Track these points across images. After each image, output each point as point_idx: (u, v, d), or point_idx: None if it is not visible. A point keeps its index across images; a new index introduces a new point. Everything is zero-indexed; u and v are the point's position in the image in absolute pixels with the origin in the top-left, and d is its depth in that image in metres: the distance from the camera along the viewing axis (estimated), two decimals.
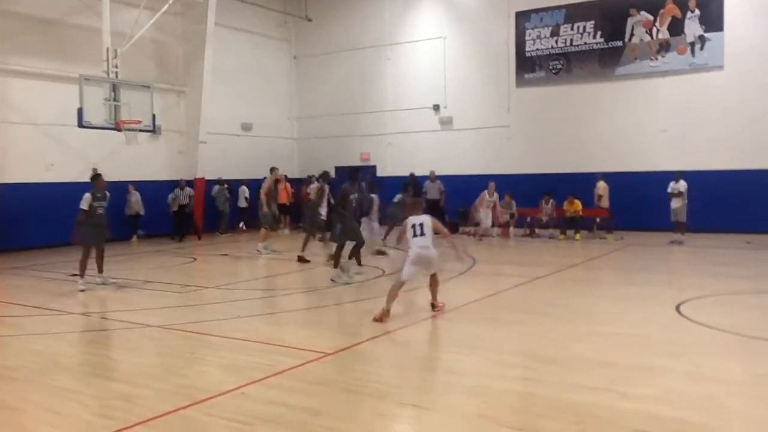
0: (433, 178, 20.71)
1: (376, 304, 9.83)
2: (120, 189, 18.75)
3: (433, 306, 9.02)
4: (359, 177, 15.06)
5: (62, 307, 9.97)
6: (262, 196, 16.39)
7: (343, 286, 10.99)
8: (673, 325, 8.20)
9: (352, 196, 12.15)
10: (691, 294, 9.88)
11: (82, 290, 11.12)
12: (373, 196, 15.77)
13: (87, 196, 11.33)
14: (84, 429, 5.02)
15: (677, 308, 8.86)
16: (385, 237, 16.04)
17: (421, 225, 8.65)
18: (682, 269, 13.85)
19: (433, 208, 18.44)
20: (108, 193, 11.70)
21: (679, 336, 7.63)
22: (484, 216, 18.78)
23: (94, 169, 12.50)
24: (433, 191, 20.35)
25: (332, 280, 11.33)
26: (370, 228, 15.01)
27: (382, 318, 8.31)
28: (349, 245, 11.98)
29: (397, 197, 16.72)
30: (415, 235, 8.61)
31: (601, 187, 18.48)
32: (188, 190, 20.59)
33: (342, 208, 12.04)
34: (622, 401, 5.38)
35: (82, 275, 11.32)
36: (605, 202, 18.50)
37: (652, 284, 11.27)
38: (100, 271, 11.75)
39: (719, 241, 16.63)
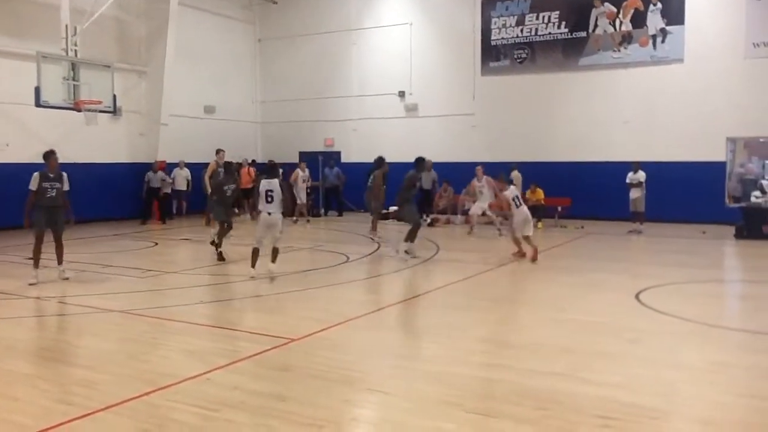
0: (429, 167, 18.89)
1: (342, 289, 9.84)
2: (84, 170, 18.36)
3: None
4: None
5: (18, 291, 9.74)
6: (205, 180, 16.13)
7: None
8: (633, 312, 8.36)
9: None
10: (649, 282, 10.08)
11: (32, 284, 10.07)
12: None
13: (35, 175, 10.25)
14: (43, 415, 4.92)
15: (636, 296, 9.05)
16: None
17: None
18: (640, 258, 14.13)
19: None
20: (64, 174, 10.50)
21: (639, 323, 7.78)
22: (478, 206, 17.13)
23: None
24: (427, 181, 19.04)
25: (398, 252, 12.59)
26: None
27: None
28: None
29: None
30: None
31: (515, 176, 17.86)
32: (161, 173, 20.28)
33: (407, 193, 12.93)
34: (583, 387, 5.48)
35: (35, 265, 10.32)
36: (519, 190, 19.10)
37: (612, 272, 11.47)
38: (59, 262, 10.66)
39: (676, 231, 17.01)
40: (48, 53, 15.95)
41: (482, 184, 16.96)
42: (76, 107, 16.14)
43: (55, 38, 16.67)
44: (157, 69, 21.52)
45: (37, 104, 15.54)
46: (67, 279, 10.59)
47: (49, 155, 10.43)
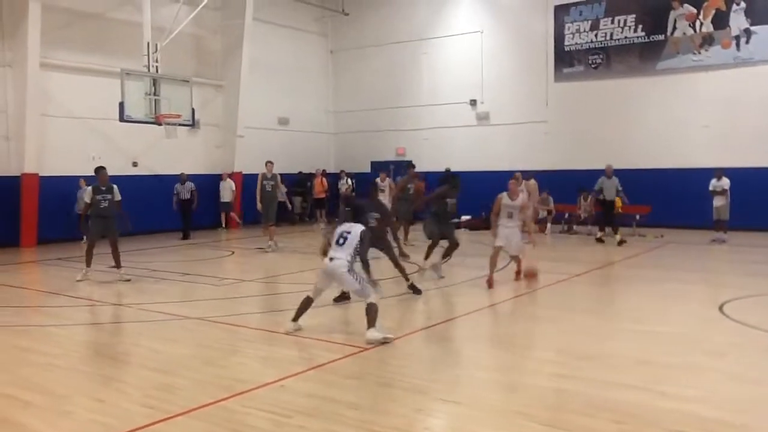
0: (609, 173, 16.82)
1: (413, 299, 9.84)
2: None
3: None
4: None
5: (103, 298, 10.17)
6: (258, 194, 15.82)
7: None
8: (715, 324, 8.05)
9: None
10: (733, 293, 9.69)
11: (79, 280, 11.38)
12: None
13: (88, 189, 11.67)
14: (126, 417, 5.11)
15: (720, 308, 8.70)
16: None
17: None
18: (724, 268, 13.57)
19: (607, 211, 16.74)
20: (114, 186, 11.71)
21: (721, 336, 7.49)
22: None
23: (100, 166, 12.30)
24: (610, 191, 16.69)
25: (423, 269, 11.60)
26: None
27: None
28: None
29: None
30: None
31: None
32: (189, 184, 19.15)
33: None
34: (661, 400, 5.31)
35: (87, 264, 11.54)
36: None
37: (694, 283, 11.08)
38: (117, 266, 11.76)
39: (763, 240, 16.26)
40: (131, 70, 16.65)
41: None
42: (157, 121, 16.77)
43: (137, 55, 17.42)
44: (233, 82, 22.14)
45: (121, 119, 16.24)
46: (128, 281, 11.49)
47: (99, 170, 11.69)
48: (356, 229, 7.69)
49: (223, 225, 21.45)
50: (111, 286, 11.24)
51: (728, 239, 16.11)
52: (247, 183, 21.93)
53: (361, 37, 25.59)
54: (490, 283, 10.43)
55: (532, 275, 10.59)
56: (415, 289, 9.88)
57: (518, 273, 10.98)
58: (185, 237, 18.70)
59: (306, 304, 7.71)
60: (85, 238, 16.29)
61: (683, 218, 18.48)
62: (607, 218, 16.72)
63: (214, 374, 6.23)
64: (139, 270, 12.81)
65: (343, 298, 9.27)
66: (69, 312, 9.61)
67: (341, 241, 7.58)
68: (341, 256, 7.47)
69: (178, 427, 4.94)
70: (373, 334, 7.08)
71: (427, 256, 11.60)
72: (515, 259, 11.04)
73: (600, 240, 16.51)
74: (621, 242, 15.78)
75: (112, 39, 18.98)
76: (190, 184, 19.21)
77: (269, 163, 16.11)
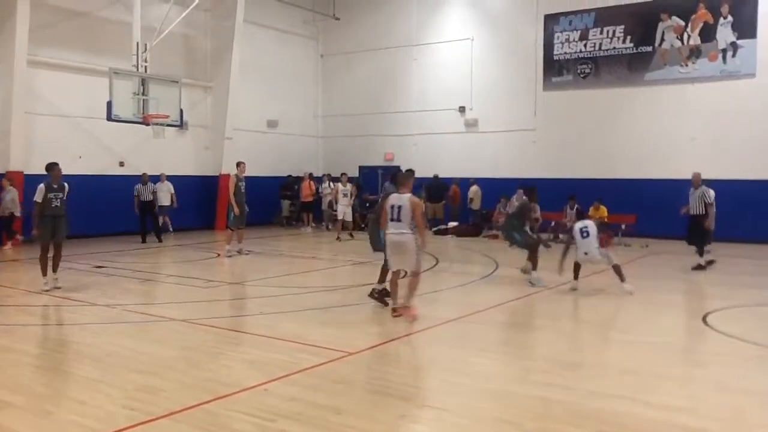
0: (697, 182, 13.83)
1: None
2: (150, 182, 18.94)
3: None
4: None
5: (87, 298, 10.07)
6: (231, 197, 15.04)
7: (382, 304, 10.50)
8: (699, 334, 8.10)
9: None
10: (717, 304, 9.75)
11: (47, 290, 10.53)
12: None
13: (41, 187, 10.66)
14: (108, 419, 5.06)
15: (704, 318, 8.74)
16: None
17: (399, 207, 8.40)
18: (708, 279, 13.64)
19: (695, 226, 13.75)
20: (66, 184, 10.87)
21: (706, 346, 7.53)
22: None
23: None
24: (697, 204, 13.65)
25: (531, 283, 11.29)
26: None
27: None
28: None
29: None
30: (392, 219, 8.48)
31: (473, 191, 20.97)
32: (151, 185, 18.38)
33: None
34: (646, 410, 5.32)
35: (44, 273, 10.70)
36: (476, 205, 21.16)
37: (678, 293, 11.14)
38: (54, 269, 10.84)
39: (747, 251, 16.39)
40: (119, 69, 16.55)
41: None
42: (145, 121, 16.68)
43: (127, 55, 17.32)
44: (222, 84, 22.08)
45: (109, 118, 16.12)
46: (59, 288, 10.70)
47: (53, 166, 10.86)
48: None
49: (169, 230, 19.74)
50: (94, 286, 11.13)
51: (712, 250, 16.18)
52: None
53: (351, 41, 25.60)
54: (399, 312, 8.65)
55: (408, 312, 8.56)
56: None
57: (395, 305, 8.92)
58: (150, 239, 18.06)
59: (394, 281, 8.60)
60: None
61: (668, 228, 18.56)
62: (690, 236, 13.92)
63: (199, 377, 6.17)
64: (124, 271, 12.71)
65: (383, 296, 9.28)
66: (50, 311, 9.52)
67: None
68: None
69: (160, 430, 4.89)
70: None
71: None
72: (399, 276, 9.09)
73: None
74: (699, 266, 13.40)
75: (101, 38, 18.88)
76: (151, 185, 18.39)
77: (241, 163, 15.47)
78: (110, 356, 6.97)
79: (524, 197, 12.24)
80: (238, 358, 6.91)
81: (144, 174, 18.46)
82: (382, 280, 9.50)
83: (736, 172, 18.22)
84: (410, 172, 9.28)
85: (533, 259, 11.59)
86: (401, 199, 8.40)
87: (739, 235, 17.60)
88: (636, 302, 10.17)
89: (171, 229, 19.72)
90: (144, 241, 17.88)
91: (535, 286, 11.15)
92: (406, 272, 8.76)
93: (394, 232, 8.41)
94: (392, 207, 8.40)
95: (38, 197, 10.60)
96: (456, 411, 5.39)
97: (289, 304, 10.26)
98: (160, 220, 19.03)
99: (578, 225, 10.97)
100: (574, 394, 5.72)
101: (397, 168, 23.85)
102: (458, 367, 6.78)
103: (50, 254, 10.77)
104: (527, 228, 11.80)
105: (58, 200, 10.72)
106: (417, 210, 8.27)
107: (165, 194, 19.20)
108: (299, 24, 25.69)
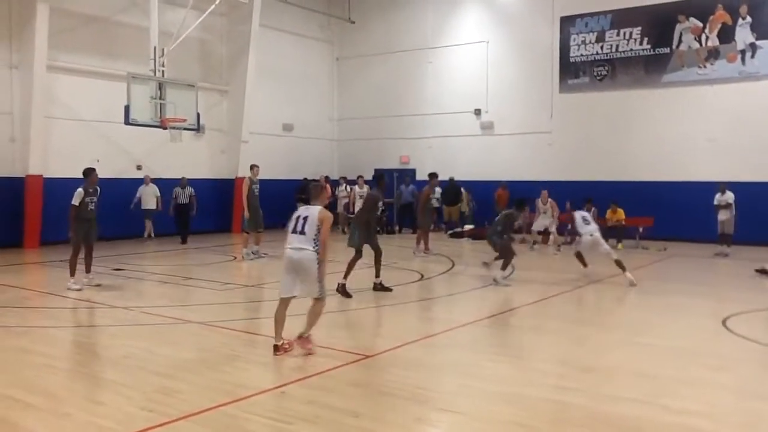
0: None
1: (416, 307, 9.82)
2: (168, 185, 19.19)
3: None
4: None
5: (105, 301, 10.16)
6: (243, 200, 15.04)
7: (388, 292, 10.85)
8: (718, 338, 8.02)
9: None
10: (737, 308, 9.64)
11: (78, 289, 10.85)
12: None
13: (79, 191, 11.11)
14: (126, 420, 5.10)
15: (723, 322, 8.66)
16: (418, 244, 16.26)
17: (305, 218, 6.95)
18: (728, 282, 13.52)
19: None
20: (99, 189, 11.43)
21: (724, 350, 7.45)
22: (540, 223, 17.88)
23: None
24: None
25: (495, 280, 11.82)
26: None
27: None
28: None
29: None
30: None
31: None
32: (189, 189, 18.96)
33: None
34: (662, 414, 5.28)
35: (72, 274, 11.05)
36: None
37: (697, 296, 11.03)
38: (87, 270, 11.35)
39: (766, 255, 16.19)
40: (137, 74, 16.70)
41: (546, 207, 17.79)
42: (162, 125, 16.80)
43: (144, 59, 17.45)
44: (238, 88, 22.20)
45: (126, 122, 16.26)
46: (99, 285, 11.28)
47: (91, 171, 11.40)
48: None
49: (150, 234, 19.17)
50: (112, 288, 11.23)
51: (732, 253, 16.06)
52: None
53: (366, 45, 25.65)
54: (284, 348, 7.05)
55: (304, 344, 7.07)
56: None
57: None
58: (184, 242, 18.59)
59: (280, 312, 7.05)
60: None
61: (687, 231, 18.45)
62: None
63: (216, 379, 6.20)
64: (141, 273, 12.81)
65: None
66: (68, 313, 9.61)
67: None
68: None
69: None
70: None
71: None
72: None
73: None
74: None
75: (119, 43, 19.07)
76: (189, 189, 19.01)
77: (255, 166, 15.49)
78: (128, 358, 7.03)
79: (513, 208, 12.87)
80: (254, 361, 6.94)
81: (183, 178, 19.11)
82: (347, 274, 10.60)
83: (754, 174, 18.04)
84: (433, 174, 9.96)
85: (506, 259, 12.14)
86: (309, 209, 7.04)
87: (758, 238, 17.40)
88: (654, 305, 10.09)
89: (152, 235, 19.12)
90: (184, 242, 18.44)
91: (499, 284, 11.62)
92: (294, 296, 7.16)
93: (293, 248, 6.88)
94: (297, 218, 7.02)
95: (76, 201, 11.09)
96: (471, 414, 5.38)
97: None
98: (146, 224, 19.09)
99: (578, 214, 12.71)
100: (589, 398, 5.69)
101: (413, 170, 24.00)
102: (472, 370, 6.77)
103: (81, 256, 11.19)
104: (506, 235, 12.46)
105: (93, 204, 11.27)
106: (326, 224, 6.91)
107: (150, 197, 18.93)
108: (315, 28, 25.77)
